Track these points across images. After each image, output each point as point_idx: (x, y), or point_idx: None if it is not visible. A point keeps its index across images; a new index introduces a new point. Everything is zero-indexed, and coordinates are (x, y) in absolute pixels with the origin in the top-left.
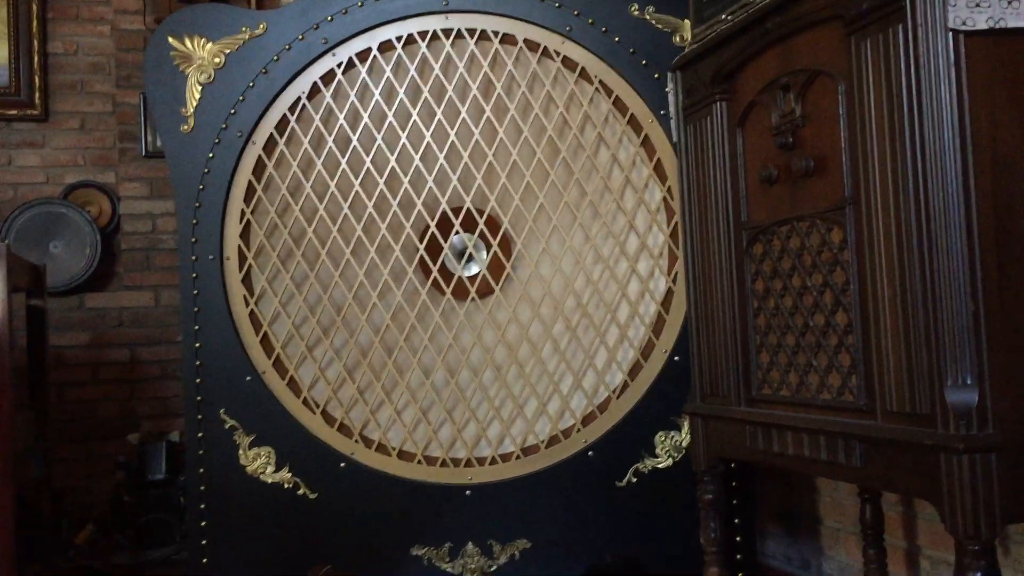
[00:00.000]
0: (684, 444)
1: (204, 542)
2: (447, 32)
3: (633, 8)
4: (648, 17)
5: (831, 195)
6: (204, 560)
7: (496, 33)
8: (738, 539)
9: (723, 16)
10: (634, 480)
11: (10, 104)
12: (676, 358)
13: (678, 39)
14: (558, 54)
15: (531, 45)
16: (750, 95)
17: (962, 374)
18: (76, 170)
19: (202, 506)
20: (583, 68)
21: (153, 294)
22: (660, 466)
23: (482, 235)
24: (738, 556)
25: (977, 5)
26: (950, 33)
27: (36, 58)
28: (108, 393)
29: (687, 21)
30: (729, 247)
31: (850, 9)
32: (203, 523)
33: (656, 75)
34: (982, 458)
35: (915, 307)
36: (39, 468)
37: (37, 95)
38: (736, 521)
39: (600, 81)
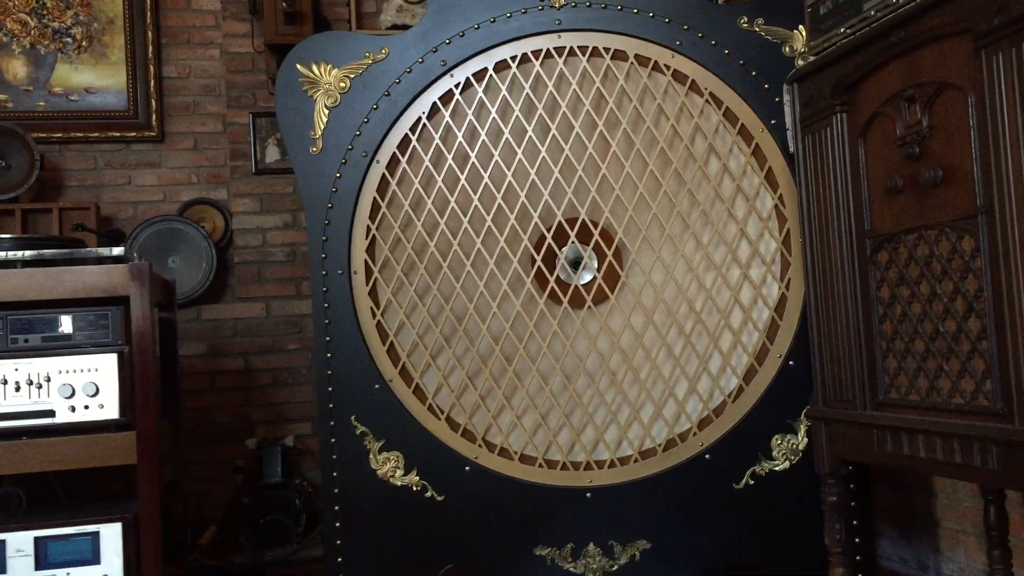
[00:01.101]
0: (800, 447)
1: (339, 542)
2: (560, 50)
3: (742, 21)
4: (757, 29)
5: (961, 204)
6: (339, 559)
7: (607, 49)
8: (857, 540)
9: (842, 29)
10: (751, 483)
11: (129, 127)
12: (791, 363)
13: (787, 50)
14: (668, 68)
15: (642, 60)
16: (873, 107)
17: None
18: (190, 188)
19: (336, 508)
20: (693, 81)
21: (264, 305)
22: (777, 469)
23: (596, 245)
24: (858, 557)
25: None
26: None
27: (152, 83)
28: (225, 400)
29: (796, 32)
30: (852, 255)
31: (980, 24)
32: (337, 524)
33: (766, 86)
34: None
35: None
36: (173, 472)
37: (153, 117)
38: (855, 523)
39: (710, 93)
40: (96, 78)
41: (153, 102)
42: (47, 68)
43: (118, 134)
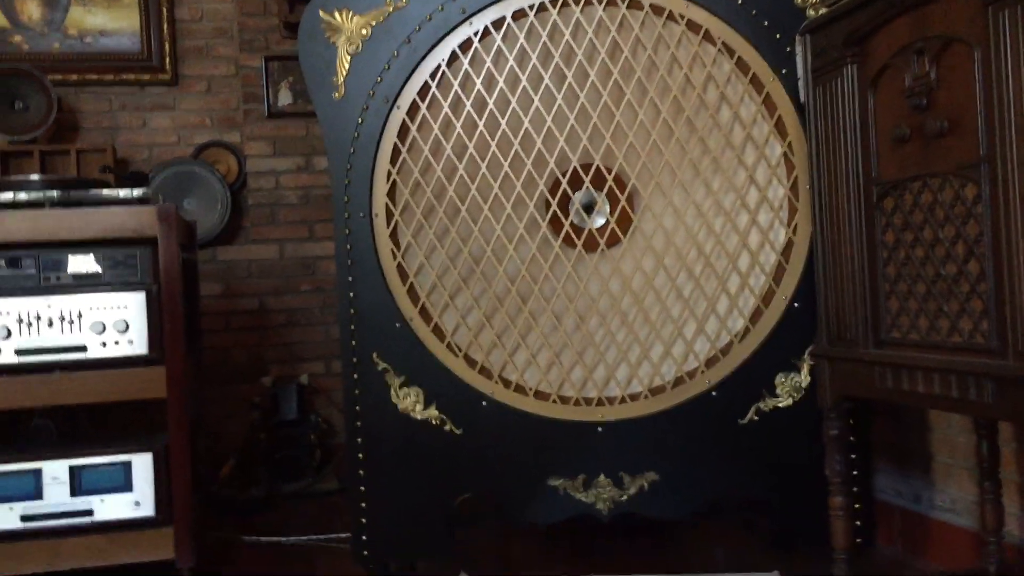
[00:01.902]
0: (804, 385)
1: (361, 472)
2: (577, 0)
3: None
4: None
5: (965, 154)
6: (362, 488)
7: None
8: (855, 473)
9: None
10: (755, 418)
11: (143, 70)
12: (796, 305)
13: (799, 1)
14: (683, 17)
15: (656, 9)
16: (883, 58)
17: None
18: (204, 131)
19: (359, 440)
20: (706, 30)
21: (278, 247)
22: (781, 405)
23: (609, 190)
24: (855, 489)
25: None
26: None
27: (165, 26)
28: (240, 340)
29: None
30: (859, 201)
31: None
32: (360, 455)
33: (777, 35)
34: None
35: None
36: (196, 409)
37: (167, 60)
38: (853, 457)
39: (723, 42)
40: (110, 20)
41: (166, 45)
42: (61, 10)
43: (132, 77)
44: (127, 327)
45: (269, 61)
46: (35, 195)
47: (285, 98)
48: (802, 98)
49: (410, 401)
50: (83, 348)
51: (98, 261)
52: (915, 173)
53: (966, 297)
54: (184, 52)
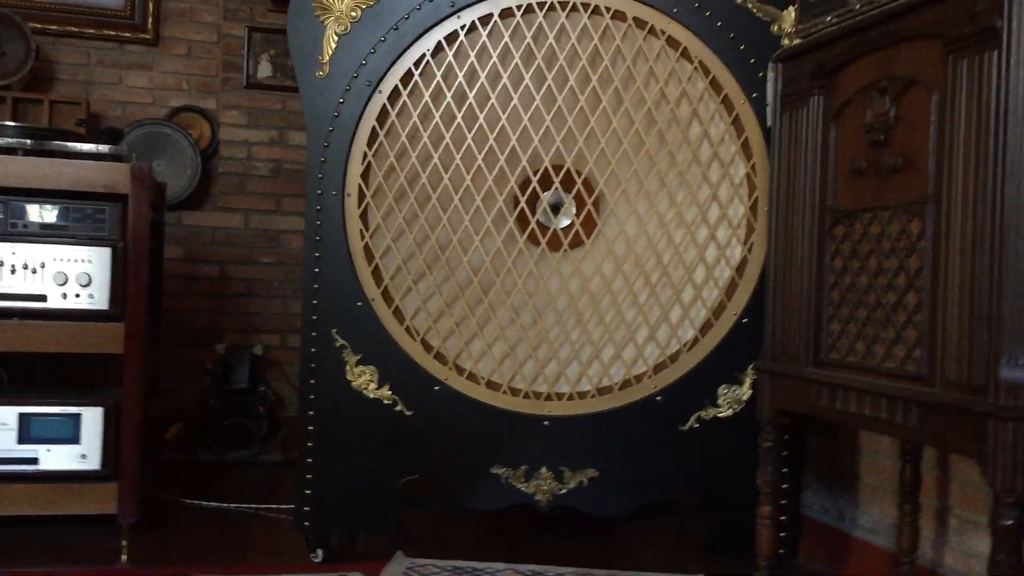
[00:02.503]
0: (744, 398)
1: (310, 444)
2: (563, 4)
3: None
4: (750, 6)
5: (914, 191)
6: (309, 460)
7: (608, 9)
8: (784, 486)
9: (828, 18)
10: (696, 426)
11: (124, 27)
12: (744, 320)
13: (776, 28)
14: (663, 33)
15: (639, 23)
16: (847, 93)
17: (1015, 355)
18: (180, 94)
19: (310, 413)
20: (685, 48)
21: (244, 217)
22: (721, 415)
23: (577, 193)
24: (783, 501)
25: None
26: None
27: None
28: (198, 305)
29: (786, 12)
30: (813, 225)
31: (950, 31)
32: (310, 427)
33: (751, 60)
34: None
35: (981, 295)
36: (152, 369)
37: (149, 20)
38: (784, 470)
39: (700, 61)
40: None
41: (150, 5)
42: None
43: (113, 33)
44: (89, 281)
45: (252, 32)
46: (8, 141)
47: (264, 70)
48: (769, 122)
49: (364, 379)
50: (43, 298)
51: (66, 213)
52: (868, 205)
53: (902, 326)
54: (167, 14)
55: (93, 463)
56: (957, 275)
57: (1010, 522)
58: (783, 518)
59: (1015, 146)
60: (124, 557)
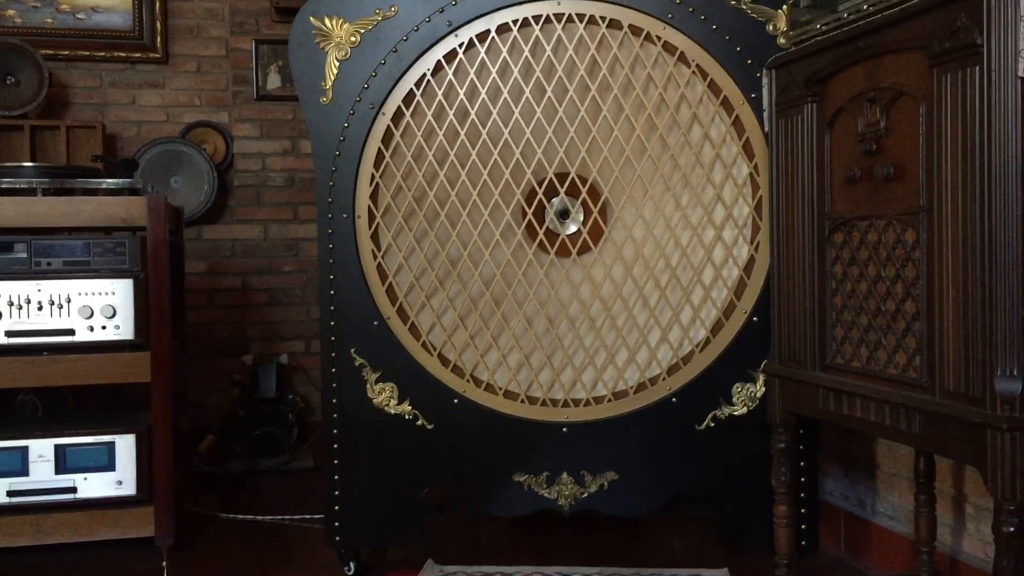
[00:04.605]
0: (758, 395)
1: (336, 461)
2: (559, 16)
3: None
4: (744, 7)
5: (907, 200)
6: (336, 476)
7: (603, 18)
8: (802, 480)
9: (819, 26)
10: (712, 425)
11: (134, 47)
12: (755, 319)
13: (771, 28)
14: (659, 39)
15: (635, 30)
16: (839, 102)
17: (1010, 367)
18: (193, 110)
19: (335, 431)
20: (682, 52)
21: (262, 227)
22: (736, 413)
23: (583, 200)
24: (802, 495)
25: None
26: (1019, 80)
27: (157, 4)
28: (223, 317)
29: (780, 12)
30: (812, 233)
31: (934, 45)
32: (335, 445)
33: (748, 61)
34: (1021, 436)
35: (974, 307)
36: (180, 384)
37: (158, 39)
38: (802, 464)
39: (697, 65)
40: None
41: (158, 23)
42: None
43: (123, 54)
44: (114, 313)
45: (259, 44)
46: (29, 182)
47: (274, 81)
48: (766, 128)
49: (385, 396)
50: (71, 332)
51: (87, 248)
52: (864, 213)
53: (902, 333)
54: (175, 31)
55: (128, 488)
56: (950, 286)
57: (1011, 529)
58: (803, 511)
59: (1000, 161)
60: None
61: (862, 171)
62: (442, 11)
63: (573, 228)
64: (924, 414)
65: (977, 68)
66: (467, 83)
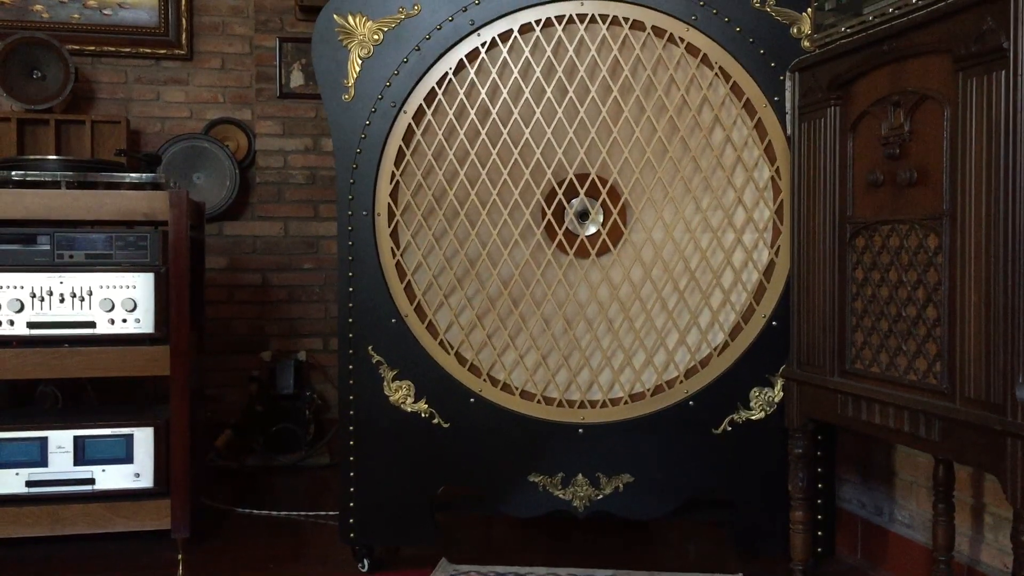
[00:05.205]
0: (776, 400)
1: (352, 458)
2: (582, 17)
3: (755, 0)
4: (768, 9)
5: (930, 205)
6: (352, 473)
7: (627, 19)
8: (820, 486)
9: (843, 29)
10: (729, 429)
11: (159, 44)
12: (774, 323)
13: (795, 31)
14: (682, 40)
15: (658, 32)
16: (863, 105)
17: None
18: (216, 107)
19: (351, 428)
20: (705, 54)
21: (283, 225)
22: (753, 418)
23: (603, 201)
24: (818, 501)
25: None
26: None
27: (183, 1)
28: (242, 313)
29: (804, 15)
30: (833, 237)
31: (959, 49)
32: (352, 442)
33: (772, 64)
34: None
35: (996, 314)
36: (197, 382)
37: (183, 36)
38: (819, 470)
39: (720, 67)
40: None
41: (183, 20)
42: None
43: (148, 50)
44: (135, 306)
45: (283, 42)
46: (53, 175)
47: (297, 79)
48: (788, 132)
49: (401, 394)
50: (92, 324)
51: (109, 241)
52: (885, 217)
53: (923, 339)
54: (200, 28)
55: (146, 481)
56: (973, 293)
57: None
58: (820, 517)
59: None
60: (180, 570)
61: (885, 175)
62: (465, 10)
63: (592, 229)
64: (943, 421)
65: (1003, 72)
66: (489, 83)
